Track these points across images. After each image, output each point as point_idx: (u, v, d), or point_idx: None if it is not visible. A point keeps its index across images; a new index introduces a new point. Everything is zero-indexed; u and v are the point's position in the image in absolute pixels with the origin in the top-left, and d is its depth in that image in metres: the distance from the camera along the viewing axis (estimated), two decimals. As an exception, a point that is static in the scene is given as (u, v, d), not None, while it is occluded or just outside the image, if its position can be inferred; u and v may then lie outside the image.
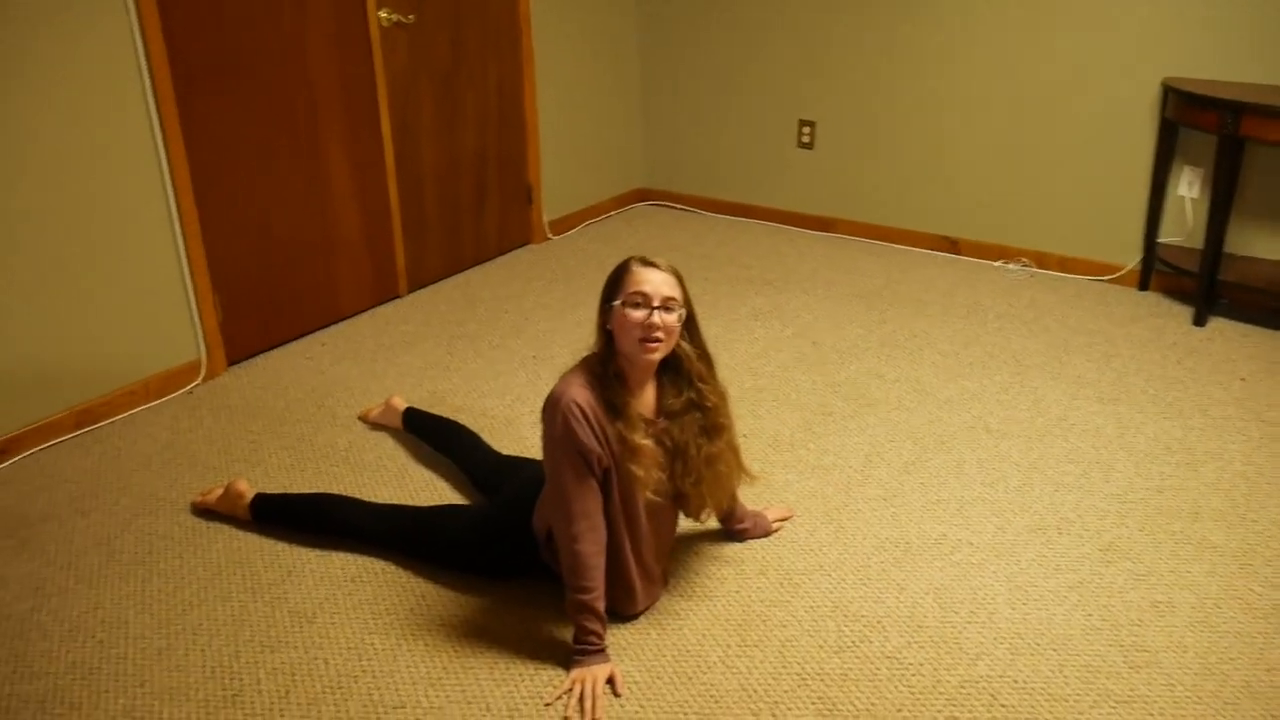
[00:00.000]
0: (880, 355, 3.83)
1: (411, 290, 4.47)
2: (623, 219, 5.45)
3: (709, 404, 2.35)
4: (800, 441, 3.24)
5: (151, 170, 3.39)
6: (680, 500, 2.43)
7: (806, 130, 5.09)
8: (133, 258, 3.40)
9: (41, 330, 3.22)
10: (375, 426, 3.35)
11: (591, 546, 2.25)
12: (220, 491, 2.91)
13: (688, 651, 2.36)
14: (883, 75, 4.80)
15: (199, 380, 3.65)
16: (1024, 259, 4.68)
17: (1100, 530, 2.78)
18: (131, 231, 3.38)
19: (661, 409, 2.34)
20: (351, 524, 2.74)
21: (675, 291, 2.26)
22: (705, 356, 2.37)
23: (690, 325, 2.33)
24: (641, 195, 5.71)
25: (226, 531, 2.82)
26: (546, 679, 2.28)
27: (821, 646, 2.37)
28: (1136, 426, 3.30)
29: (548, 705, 2.21)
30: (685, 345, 2.32)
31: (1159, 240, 4.33)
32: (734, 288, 4.49)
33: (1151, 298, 4.34)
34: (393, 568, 2.66)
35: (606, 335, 2.29)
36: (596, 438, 2.22)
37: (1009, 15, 4.42)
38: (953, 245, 4.86)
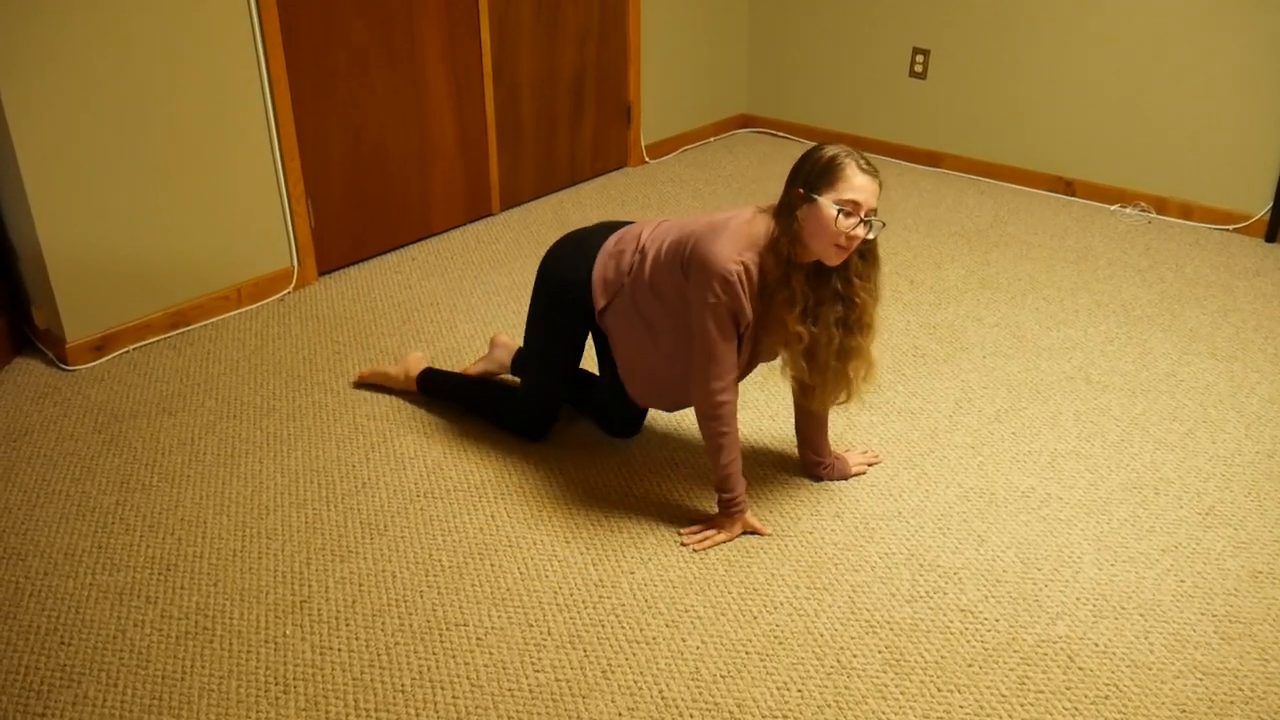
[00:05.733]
0: (980, 298, 3.68)
1: (504, 209, 4.44)
2: (723, 145, 5.31)
3: (857, 299, 2.32)
4: (889, 384, 3.14)
5: (250, 74, 3.39)
6: (802, 388, 2.47)
7: (920, 59, 4.87)
8: (230, 162, 3.42)
9: (140, 231, 3.26)
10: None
11: (734, 407, 2.36)
12: (391, 365, 3.10)
13: (754, 589, 2.31)
14: (1003, 2, 4.55)
15: (290, 288, 3.69)
16: (1142, 204, 4.44)
17: (1202, 493, 2.64)
18: (229, 136, 3.39)
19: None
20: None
21: (878, 201, 2.22)
22: (871, 254, 2.33)
23: None
24: (744, 121, 5.56)
25: (305, 440, 2.85)
26: (610, 608, 2.25)
27: (893, 595, 2.29)
28: (1250, 386, 3.12)
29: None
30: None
31: (1293, 189, 4.06)
32: (832, 220, 4.35)
33: (1279, 250, 4.08)
34: (465, 485, 2.66)
35: (791, 216, 2.23)
36: (750, 304, 2.27)
37: (1146, -59, 4.14)
38: (1067, 186, 4.63)
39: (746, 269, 2.24)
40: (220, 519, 2.55)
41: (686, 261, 2.31)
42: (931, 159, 4.99)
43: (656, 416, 2.93)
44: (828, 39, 5.13)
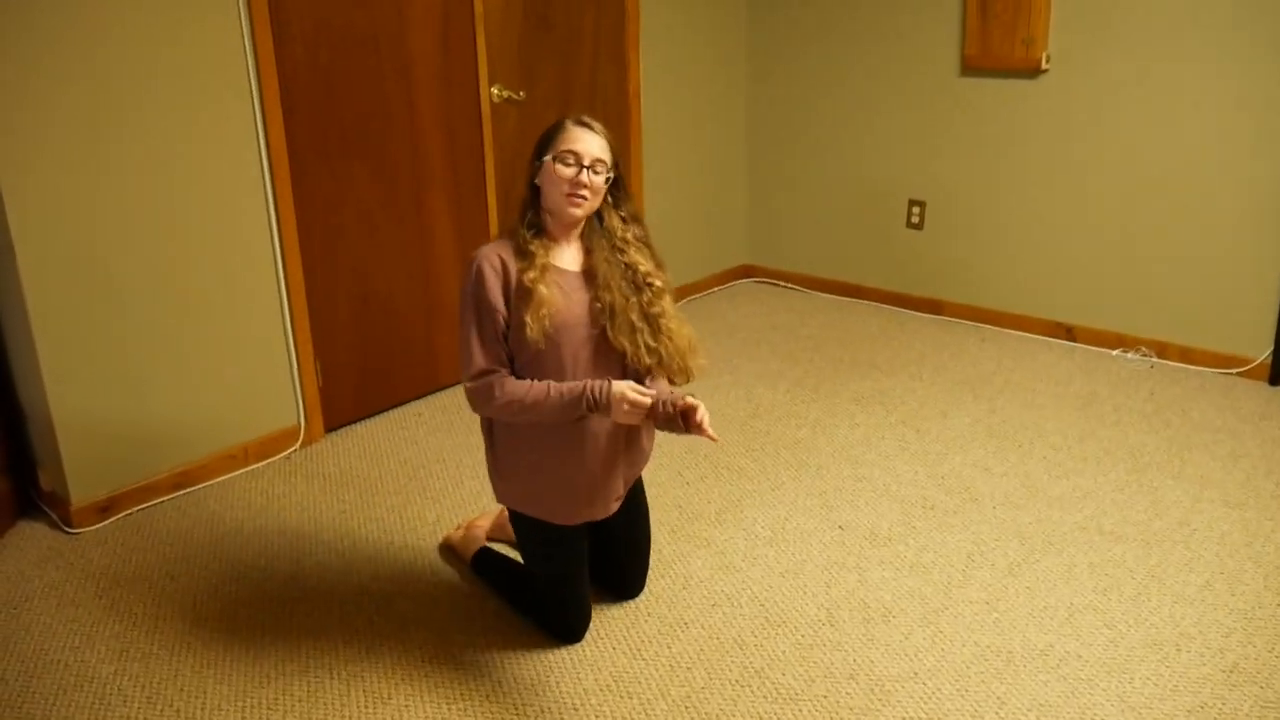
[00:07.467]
0: (987, 447, 3.67)
1: (510, 362, 4.47)
2: (725, 295, 5.39)
3: (641, 269, 2.47)
4: (899, 536, 3.10)
5: (262, 237, 3.47)
6: (626, 363, 2.49)
7: (916, 210, 4.99)
8: (239, 323, 3.47)
9: (149, 392, 3.29)
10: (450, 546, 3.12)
11: (513, 385, 2.36)
12: (464, 530, 3.04)
13: (769, 759, 2.24)
14: (997, 155, 4.68)
15: (296, 446, 3.69)
16: (1144, 348, 4.47)
17: (1224, 649, 2.57)
18: (239, 298, 3.45)
19: (586, 266, 2.46)
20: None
21: (606, 155, 2.39)
22: (634, 222, 2.49)
23: (619, 192, 2.46)
24: (746, 272, 5.66)
25: (308, 603, 2.81)
26: (620, 780, 2.18)
27: (913, 763, 2.22)
28: (1266, 534, 3.08)
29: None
30: (613, 213, 2.46)
31: (1293, 334, 4.09)
32: (837, 371, 4.38)
33: (1284, 394, 4.09)
34: (470, 652, 2.60)
35: (533, 189, 2.44)
36: (505, 294, 2.36)
37: (1131, 94, 4.27)
38: (1068, 332, 4.67)
39: (503, 262, 2.37)
40: (220, 688, 2.49)
41: None
42: (932, 306, 5.05)
43: (657, 570, 2.89)
44: (826, 192, 5.26)
